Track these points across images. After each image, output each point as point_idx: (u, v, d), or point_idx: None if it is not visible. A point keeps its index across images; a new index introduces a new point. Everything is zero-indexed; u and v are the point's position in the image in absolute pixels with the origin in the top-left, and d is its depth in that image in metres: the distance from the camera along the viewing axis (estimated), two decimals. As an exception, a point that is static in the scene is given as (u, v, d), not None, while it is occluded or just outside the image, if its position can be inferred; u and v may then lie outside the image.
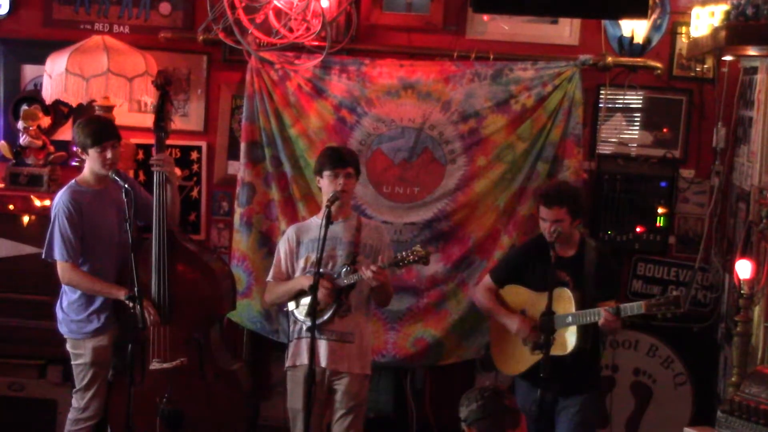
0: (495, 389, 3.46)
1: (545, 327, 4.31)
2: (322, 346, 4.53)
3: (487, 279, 4.75)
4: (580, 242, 4.57)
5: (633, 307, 4.25)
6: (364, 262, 4.50)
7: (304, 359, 4.44)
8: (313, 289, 4.28)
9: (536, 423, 4.35)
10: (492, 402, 3.40)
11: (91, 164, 4.72)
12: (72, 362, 4.86)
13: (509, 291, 4.64)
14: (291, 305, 4.60)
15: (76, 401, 4.86)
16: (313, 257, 4.44)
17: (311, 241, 4.54)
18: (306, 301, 4.43)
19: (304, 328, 4.53)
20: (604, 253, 4.63)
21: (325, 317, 4.49)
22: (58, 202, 4.73)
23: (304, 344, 4.48)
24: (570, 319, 4.35)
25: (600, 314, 4.28)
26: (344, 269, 4.46)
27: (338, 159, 4.52)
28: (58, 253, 4.68)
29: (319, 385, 4.47)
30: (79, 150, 4.75)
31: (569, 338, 4.38)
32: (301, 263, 4.59)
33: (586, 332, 4.37)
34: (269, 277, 4.73)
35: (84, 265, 4.72)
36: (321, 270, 4.39)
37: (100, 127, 4.71)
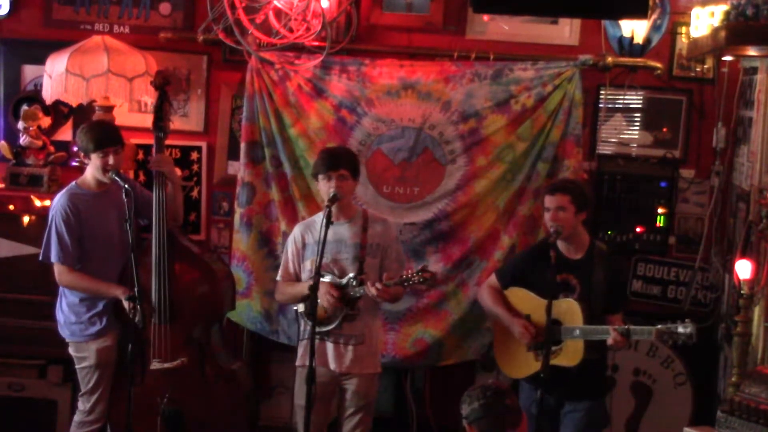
0: (497, 388, 3.45)
1: (549, 335, 4.27)
2: (332, 349, 4.54)
3: (493, 279, 4.72)
4: (590, 246, 4.54)
5: (643, 332, 4.22)
6: (371, 265, 4.50)
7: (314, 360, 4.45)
8: (312, 290, 4.27)
9: (537, 423, 4.34)
10: (494, 401, 3.39)
11: (92, 168, 4.73)
12: (76, 366, 4.85)
13: (515, 294, 4.60)
14: (300, 307, 4.60)
15: (82, 404, 4.85)
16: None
17: (317, 243, 4.51)
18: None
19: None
20: (616, 261, 4.60)
21: (334, 324, 4.50)
22: (55, 205, 4.73)
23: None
24: (578, 332, 4.32)
25: (609, 333, 4.24)
26: (352, 281, 4.46)
27: (330, 161, 4.50)
28: (55, 255, 4.68)
29: (326, 385, 4.47)
30: (81, 153, 4.75)
31: (576, 350, 4.34)
32: (308, 265, 4.58)
33: (592, 347, 4.34)
34: (278, 276, 4.74)
35: (84, 268, 4.72)
36: (330, 278, 4.42)
37: (103, 133, 4.71)
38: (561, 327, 4.36)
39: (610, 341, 4.25)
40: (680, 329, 4.13)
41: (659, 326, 4.18)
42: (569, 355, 4.35)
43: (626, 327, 4.24)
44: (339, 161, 4.52)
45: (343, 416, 4.65)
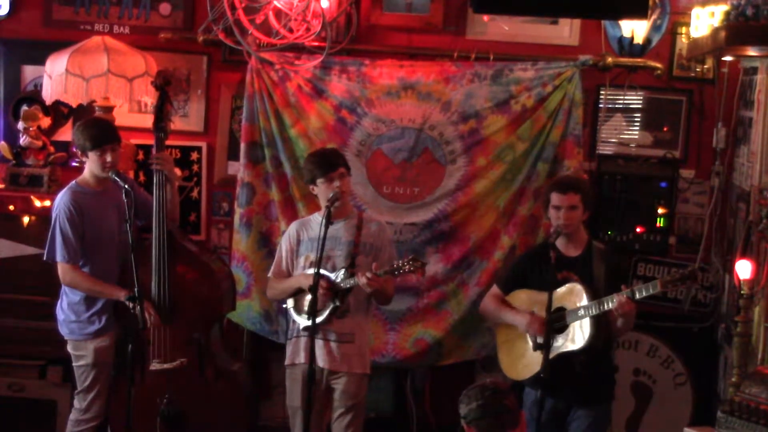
0: (496, 388, 3.44)
1: (553, 325, 4.27)
2: (320, 346, 4.53)
3: (494, 288, 4.73)
4: (588, 243, 4.54)
5: (648, 287, 4.15)
6: (363, 263, 4.50)
7: (302, 358, 4.47)
8: (313, 290, 4.28)
9: (537, 425, 4.33)
10: (492, 402, 3.38)
11: (90, 167, 4.72)
12: (73, 364, 4.85)
13: (516, 296, 4.60)
14: (289, 303, 4.61)
15: (78, 402, 4.85)
16: (313, 257, 4.44)
17: (311, 240, 4.55)
18: (303, 300, 4.44)
19: (301, 326, 4.54)
20: (613, 256, 4.60)
21: (323, 318, 4.49)
22: (59, 203, 4.73)
23: (302, 343, 4.50)
24: (582, 311, 4.30)
25: (613, 300, 4.20)
26: (342, 273, 4.46)
27: (327, 163, 4.51)
28: (60, 254, 4.68)
29: (317, 384, 4.47)
30: (79, 152, 4.75)
31: (581, 332, 4.32)
32: (301, 261, 4.59)
33: (599, 327, 4.30)
34: (270, 273, 4.75)
35: (85, 266, 4.72)
36: (319, 270, 4.40)
37: (99, 130, 4.71)
38: (565, 312, 4.35)
39: (615, 306, 4.19)
40: (683, 273, 4.12)
41: (662, 277, 4.15)
42: (576, 337, 4.33)
43: (630, 289, 4.20)
44: (336, 160, 4.55)
45: (334, 416, 4.64)
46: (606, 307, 4.24)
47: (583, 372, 4.36)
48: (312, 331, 4.32)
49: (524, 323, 4.46)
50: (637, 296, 4.19)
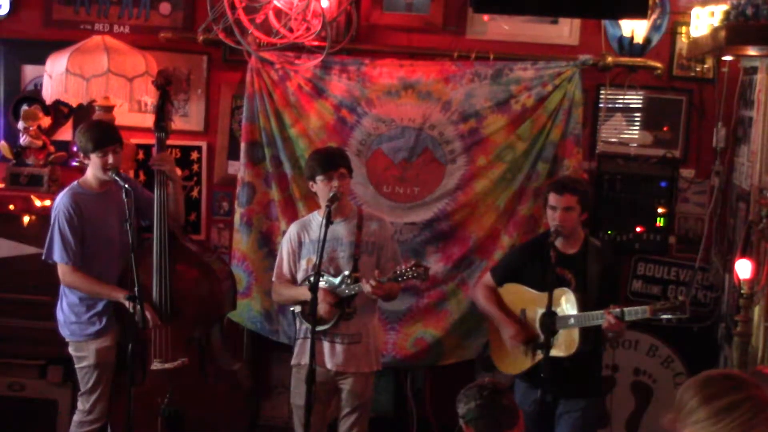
0: (494, 388, 3.44)
1: (546, 327, 4.29)
2: (328, 348, 4.53)
3: (488, 277, 4.72)
4: (584, 241, 4.55)
5: (637, 311, 4.18)
6: (366, 262, 4.49)
7: (308, 359, 4.45)
8: (312, 290, 4.27)
9: (535, 423, 4.34)
10: (490, 401, 3.38)
11: (92, 168, 4.73)
12: (76, 365, 4.84)
13: (509, 290, 4.61)
14: (297, 308, 4.60)
15: (82, 404, 4.85)
16: (315, 259, 4.42)
17: (312, 242, 4.53)
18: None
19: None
20: (609, 254, 4.60)
21: (331, 323, 4.49)
22: (58, 204, 4.73)
23: (309, 344, 4.48)
24: (573, 321, 4.32)
25: (603, 317, 4.23)
26: (346, 279, 4.45)
27: (328, 162, 4.49)
28: (58, 255, 4.68)
29: (323, 385, 4.47)
30: (81, 154, 4.76)
31: (571, 340, 4.33)
32: (303, 264, 4.58)
33: (588, 334, 4.33)
34: (273, 277, 4.74)
35: (86, 267, 4.72)
36: (325, 279, 4.40)
37: (101, 132, 4.71)
38: (556, 317, 4.36)
39: (605, 325, 4.23)
40: (674, 303, 4.11)
41: (653, 304, 4.17)
42: (564, 345, 4.35)
43: (620, 309, 4.22)
44: (337, 160, 4.52)
45: (340, 416, 4.65)
46: (595, 321, 4.26)
47: (571, 368, 4.38)
48: (312, 333, 4.30)
49: (509, 333, 4.48)
50: (626, 318, 4.21)
